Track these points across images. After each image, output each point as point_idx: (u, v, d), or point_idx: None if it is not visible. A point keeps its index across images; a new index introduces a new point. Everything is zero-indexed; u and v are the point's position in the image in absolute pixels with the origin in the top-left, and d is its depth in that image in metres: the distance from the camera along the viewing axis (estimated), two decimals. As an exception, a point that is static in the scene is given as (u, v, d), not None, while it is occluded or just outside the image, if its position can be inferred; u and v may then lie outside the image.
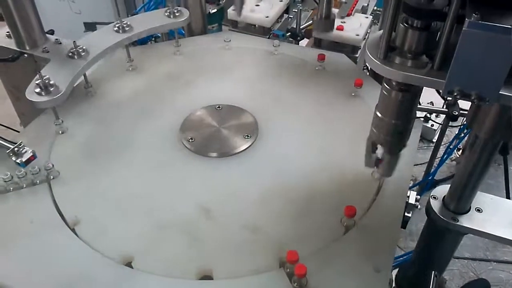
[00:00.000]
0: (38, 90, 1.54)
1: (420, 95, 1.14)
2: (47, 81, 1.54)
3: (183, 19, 1.98)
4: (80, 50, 1.74)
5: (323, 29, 2.08)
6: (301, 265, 1.15)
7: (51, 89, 1.55)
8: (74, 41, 1.74)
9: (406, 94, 1.09)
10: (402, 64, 1.00)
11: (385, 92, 1.12)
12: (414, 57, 1.00)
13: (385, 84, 1.11)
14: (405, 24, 0.98)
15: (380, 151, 1.29)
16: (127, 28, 1.88)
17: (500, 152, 2.23)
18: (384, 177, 1.41)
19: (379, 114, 1.17)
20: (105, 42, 1.82)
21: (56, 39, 1.88)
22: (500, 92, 0.91)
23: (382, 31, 1.01)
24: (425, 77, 0.98)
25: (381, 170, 1.32)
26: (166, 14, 1.98)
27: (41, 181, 1.44)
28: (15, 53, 1.86)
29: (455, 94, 0.94)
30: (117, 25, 1.89)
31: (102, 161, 1.55)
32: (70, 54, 1.73)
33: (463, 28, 0.85)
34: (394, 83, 1.09)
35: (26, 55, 1.86)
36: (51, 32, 1.97)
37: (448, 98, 2.15)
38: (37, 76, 1.53)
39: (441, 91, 0.96)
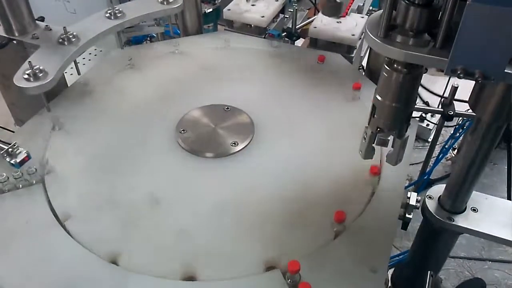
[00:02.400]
0: (26, 76, 1.52)
1: (421, 78, 1.10)
2: (36, 67, 1.52)
3: (176, 5, 1.96)
4: (71, 36, 1.72)
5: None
6: (306, 284, 1.15)
7: (40, 75, 1.54)
8: (64, 27, 1.71)
9: (407, 76, 1.06)
10: (404, 42, 0.97)
11: (385, 74, 1.09)
12: (416, 35, 0.97)
13: (385, 66, 1.08)
14: (406, 1, 0.95)
15: (379, 136, 1.24)
16: (119, 15, 1.86)
17: (504, 139, 2.15)
18: (394, 164, 1.31)
19: (379, 98, 1.13)
20: (96, 28, 1.80)
21: (46, 25, 1.84)
22: (505, 71, 0.88)
23: (382, 10, 0.98)
24: (427, 55, 0.95)
25: (390, 158, 1.27)
26: (159, 0, 1.96)
27: (36, 181, 1.44)
28: (4, 39, 1.81)
29: (459, 72, 0.91)
30: (108, 12, 1.86)
31: (96, 161, 1.54)
32: (60, 40, 1.71)
33: (468, 2, 0.81)
34: (395, 64, 1.06)
35: (15, 42, 1.82)
36: (41, 19, 1.93)
37: (444, 98, 2.16)
38: (26, 62, 1.51)
39: (443, 70, 0.93)
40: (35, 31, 1.82)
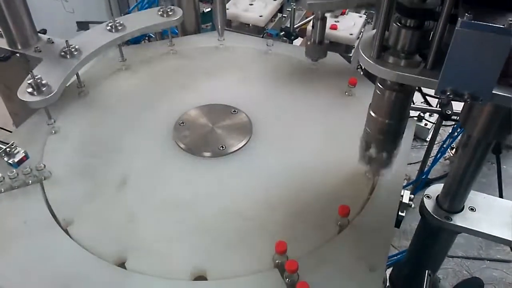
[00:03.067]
0: (30, 90, 1.52)
1: (413, 95, 1.15)
2: (39, 81, 1.53)
3: (176, 18, 1.97)
4: (73, 50, 1.72)
5: (315, 55, 1.89)
6: (304, 283, 1.15)
7: (43, 88, 1.54)
8: (66, 41, 1.72)
9: (399, 94, 1.10)
10: (395, 63, 1.01)
11: (378, 92, 1.13)
12: (407, 56, 1.00)
13: (378, 84, 1.12)
14: (398, 24, 0.98)
15: (373, 150, 1.29)
16: (120, 28, 1.87)
17: (493, 151, 2.23)
18: (377, 177, 1.42)
19: (372, 114, 1.18)
20: (98, 41, 1.81)
21: (49, 38, 1.86)
22: (493, 92, 0.91)
23: (375, 30, 1.02)
24: (418, 76, 0.98)
25: (373, 170, 1.34)
26: (159, 13, 1.97)
27: (33, 182, 1.43)
28: (7, 52, 1.84)
29: (448, 93, 0.94)
30: (109, 24, 1.88)
31: (94, 161, 1.54)
32: (63, 53, 1.72)
33: (456, 28, 0.85)
34: (387, 83, 1.09)
35: (18, 55, 1.84)
36: (43, 31, 1.95)
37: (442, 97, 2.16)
38: (29, 75, 1.52)
39: (434, 90, 0.96)
40: (37, 44, 1.83)
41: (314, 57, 1.89)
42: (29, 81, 1.52)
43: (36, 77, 1.52)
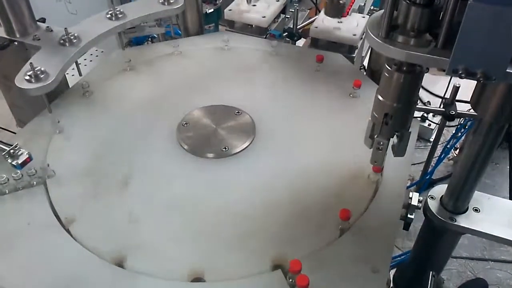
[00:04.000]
0: (28, 77, 1.52)
1: (422, 77, 1.10)
2: (37, 68, 1.52)
3: (177, 6, 1.95)
4: (72, 37, 1.72)
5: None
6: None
7: (42, 76, 1.54)
8: (65, 28, 1.71)
9: (408, 76, 1.06)
10: (405, 42, 0.97)
11: (387, 74, 1.09)
12: (417, 35, 0.96)
13: (387, 66, 1.08)
14: (408, 1, 0.95)
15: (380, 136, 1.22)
16: (120, 16, 1.86)
17: (506, 139, 2.16)
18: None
19: (380, 98, 1.13)
20: (97, 29, 1.80)
21: (47, 26, 1.84)
22: (507, 70, 0.88)
23: (383, 10, 0.98)
24: (428, 55, 0.95)
25: (395, 151, 1.26)
26: (160, 1, 1.96)
27: (37, 183, 1.44)
28: (5, 41, 1.81)
29: (460, 72, 0.90)
30: (109, 12, 1.86)
31: (97, 162, 1.54)
32: (62, 41, 1.71)
33: (469, 2, 0.81)
34: (396, 64, 1.05)
35: (16, 43, 1.82)
36: (43, 20, 1.93)
37: (445, 98, 2.15)
38: (27, 63, 1.51)
39: (445, 70, 0.92)
40: (36, 32, 1.81)
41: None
42: (27, 69, 1.51)
43: (34, 66, 1.51)
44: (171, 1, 1.95)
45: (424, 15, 0.95)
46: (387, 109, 1.13)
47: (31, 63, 1.52)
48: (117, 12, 1.85)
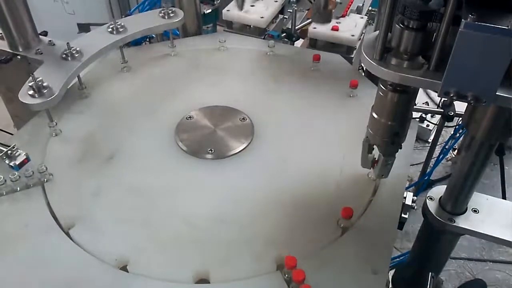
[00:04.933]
0: (31, 92, 1.52)
1: (416, 97, 1.14)
2: (40, 83, 1.53)
3: (177, 19, 1.97)
4: (74, 52, 1.72)
5: (322, 21, 2.11)
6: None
7: (45, 91, 1.54)
8: (67, 43, 1.72)
9: (402, 96, 1.09)
10: (398, 65, 1.00)
11: (381, 93, 1.12)
12: (410, 58, 0.99)
13: (381, 85, 1.11)
14: (401, 25, 0.98)
15: (376, 152, 1.29)
16: (121, 29, 1.87)
17: (496, 153, 2.23)
18: (379, 178, 1.41)
19: (375, 115, 1.17)
20: (99, 43, 1.80)
21: (50, 40, 1.86)
22: (497, 93, 0.91)
23: (378, 31, 1.01)
24: (421, 78, 0.97)
25: (376, 171, 1.33)
26: (160, 14, 1.97)
27: (35, 184, 1.43)
28: (8, 54, 1.84)
29: (452, 95, 0.93)
30: (111, 26, 1.87)
31: (96, 164, 1.53)
32: (64, 55, 1.72)
33: (460, 29, 0.84)
34: (390, 84, 1.09)
35: (19, 57, 1.84)
36: (45, 33, 1.95)
37: (444, 99, 2.15)
38: (30, 78, 1.51)
39: (437, 92, 0.96)
40: (38, 46, 1.84)
41: (321, 22, 2.12)
42: (30, 84, 1.52)
43: (37, 80, 1.52)
44: (171, 15, 1.96)
45: (417, 38, 0.98)
46: (396, 129, 1.17)
47: (34, 77, 1.52)
48: (118, 26, 1.86)
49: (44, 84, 1.54)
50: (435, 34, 0.98)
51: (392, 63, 1.00)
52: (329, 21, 2.12)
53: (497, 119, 1.11)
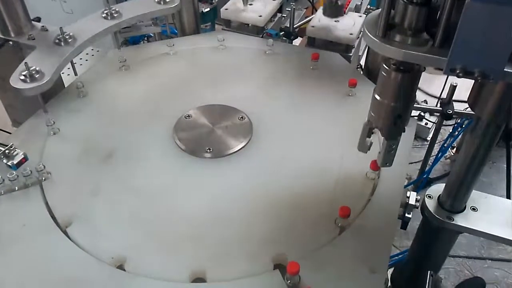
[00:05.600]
0: (23, 77, 1.51)
1: (420, 76, 1.09)
2: (32, 68, 1.52)
3: (173, 5, 1.94)
4: (67, 37, 1.71)
5: (333, 14, 2.11)
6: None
7: (37, 76, 1.53)
8: (60, 28, 1.70)
9: (406, 75, 1.05)
10: (402, 42, 0.96)
11: (384, 73, 1.08)
12: (414, 34, 0.96)
13: (384, 65, 1.07)
14: (405, 0, 0.95)
15: (376, 138, 1.24)
16: (115, 15, 1.85)
17: (504, 138, 2.15)
18: (384, 167, 1.34)
19: (377, 97, 1.12)
20: (93, 28, 1.79)
21: (43, 26, 1.83)
22: (505, 70, 0.88)
23: (380, 9, 0.98)
24: (426, 54, 0.94)
25: (380, 160, 1.28)
26: (156, 0, 1.95)
27: (33, 183, 1.43)
28: (0, 40, 1.81)
29: (458, 72, 0.90)
30: (105, 12, 1.85)
31: (94, 163, 1.53)
32: (57, 41, 1.70)
33: (466, 1, 0.80)
34: (393, 64, 1.05)
35: (11, 43, 1.81)
36: (38, 19, 1.92)
37: (443, 98, 2.15)
38: (22, 63, 1.50)
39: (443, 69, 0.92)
40: (31, 32, 1.80)
41: (333, 16, 2.11)
42: (22, 69, 1.50)
43: (29, 65, 1.50)
44: (167, 0, 1.94)
45: (421, 14, 0.95)
46: (399, 110, 1.13)
47: (26, 63, 1.51)
48: (113, 12, 1.84)
49: (37, 69, 1.54)
50: (440, 9, 0.94)
51: (396, 39, 0.97)
52: (341, 14, 2.13)
53: (504, 97, 1.07)
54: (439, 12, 0.95)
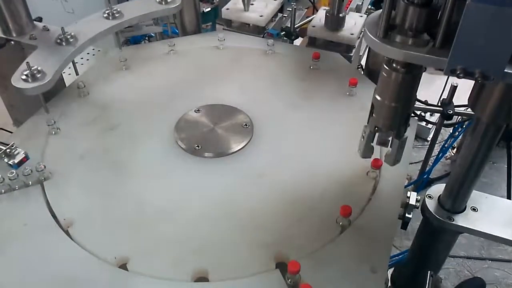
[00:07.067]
0: (24, 77, 1.51)
1: (420, 77, 1.10)
2: (33, 68, 1.52)
3: (174, 5, 1.94)
4: (69, 37, 1.71)
5: (334, 27, 2.06)
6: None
7: (38, 75, 1.53)
8: (62, 28, 1.70)
9: (406, 76, 1.06)
10: (403, 42, 0.97)
11: (385, 74, 1.09)
12: (415, 35, 0.96)
13: (385, 66, 1.08)
14: (406, 1, 0.95)
15: (381, 138, 1.25)
16: (117, 15, 1.85)
17: (504, 138, 2.14)
18: (395, 164, 1.33)
19: (378, 97, 1.13)
20: (94, 28, 1.79)
21: (44, 26, 1.83)
22: (505, 70, 0.88)
23: (381, 10, 0.98)
24: (426, 55, 0.95)
25: (392, 159, 1.27)
26: (157, 0, 1.95)
27: (33, 183, 1.43)
28: (1, 40, 1.80)
29: (458, 72, 0.90)
30: (106, 12, 1.85)
31: (95, 162, 1.53)
32: (58, 41, 1.70)
33: (467, 2, 0.81)
34: (394, 64, 1.06)
35: (12, 42, 1.81)
36: (39, 19, 1.93)
37: (443, 98, 2.15)
38: (24, 63, 1.50)
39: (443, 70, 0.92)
40: (32, 32, 1.80)
41: (334, 28, 2.07)
42: (23, 69, 1.50)
43: (31, 65, 1.51)
44: (168, 0, 1.94)
45: (422, 14, 0.95)
46: (409, 109, 1.14)
47: (27, 62, 1.51)
48: (114, 12, 1.84)
49: (38, 68, 1.54)
50: (440, 9, 0.95)
51: (397, 40, 0.97)
52: (342, 26, 2.07)
53: (504, 98, 1.08)
54: (439, 13, 0.96)
